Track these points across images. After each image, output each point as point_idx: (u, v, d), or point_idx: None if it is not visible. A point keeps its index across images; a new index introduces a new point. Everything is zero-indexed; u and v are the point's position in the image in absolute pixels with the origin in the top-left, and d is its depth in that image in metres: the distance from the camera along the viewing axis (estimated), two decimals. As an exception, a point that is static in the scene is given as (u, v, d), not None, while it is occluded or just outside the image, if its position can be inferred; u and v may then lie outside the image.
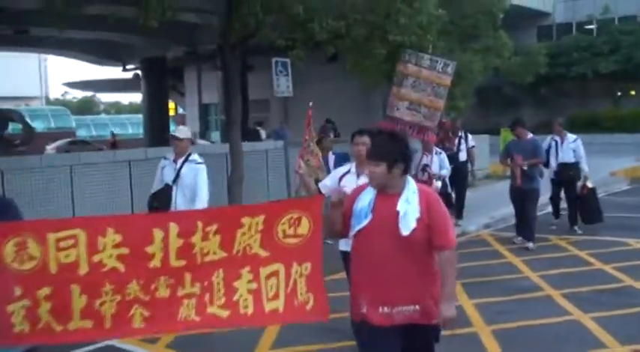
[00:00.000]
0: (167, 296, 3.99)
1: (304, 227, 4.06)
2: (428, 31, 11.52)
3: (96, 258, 3.84)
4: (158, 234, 3.90)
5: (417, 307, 3.72)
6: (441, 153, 10.45)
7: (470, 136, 12.59)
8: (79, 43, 32.68)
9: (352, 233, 3.84)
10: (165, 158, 7.37)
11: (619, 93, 36.07)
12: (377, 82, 14.23)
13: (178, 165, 7.14)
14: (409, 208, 3.68)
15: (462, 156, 12.26)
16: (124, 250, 3.87)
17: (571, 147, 11.03)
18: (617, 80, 34.59)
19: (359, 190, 3.95)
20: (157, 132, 32.47)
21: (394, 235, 3.65)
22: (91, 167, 10.86)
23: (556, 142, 11.13)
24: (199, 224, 3.94)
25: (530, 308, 6.90)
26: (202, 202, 6.98)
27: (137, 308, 3.96)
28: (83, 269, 3.83)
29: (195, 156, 7.25)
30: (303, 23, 10.39)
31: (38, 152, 26.09)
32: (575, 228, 11.08)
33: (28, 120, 29.74)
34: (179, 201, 7.06)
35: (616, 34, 34.58)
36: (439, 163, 10.30)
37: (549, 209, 11.77)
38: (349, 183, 5.05)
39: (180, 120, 43.38)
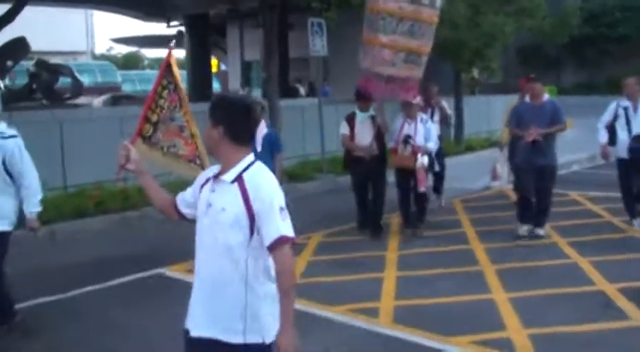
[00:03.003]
0: None
1: None
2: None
3: None
4: None
5: None
6: (427, 120, 8.63)
7: (445, 103, 10.52)
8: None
9: None
10: None
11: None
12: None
13: None
14: None
15: (437, 128, 9.70)
16: None
17: None
18: (661, 41, 34.19)
19: None
20: (200, 88, 33.31)
21: None
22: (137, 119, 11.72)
23: (625, 109, 8.54)
24: None
25: (534, 253, 7.59)
26: (36, 193, 5.42)
27: None
28: None
29: (1, 128, 5.31)
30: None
31: (86, 105, 27.18)
32: (635, 222, 8.68)
33: (76, 74, 30.81)
34: None
35: (662, -7, 34.08)
36: (424, 133, 8.40)
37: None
38: (202, 200, 3.05)
39: (223, 76, 44.16)
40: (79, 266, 7.62)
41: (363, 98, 8.37)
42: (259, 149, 7.36)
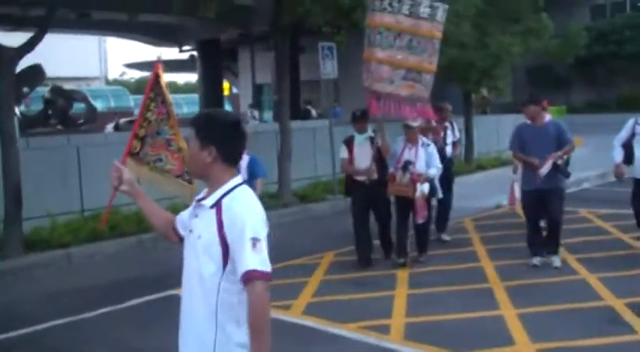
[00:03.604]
0: None
1: None
2: (464, 18, 12.12)
3: None
4: None
5: None
6: (429, 144, 8.11)
7: (456, 126, 10.02)
8: (137, 26, 33.90)
9: None
10: None
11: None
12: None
13: None
14: None
15: (449, 150, 9.64)
16: None
17: None
18: (671, 59, 34.23)
19: None
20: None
21: None
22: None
23: None
24: None
25: (543, 270, 7.66)
26: None
27: None
28: None
29: None
30: (349, 12, 11.07)
31: (99, 130, 27.54)
32: None
33: (90, 100, 31.22)
34: None
35: (670, 12, 34.23)
36: (426, 159, 7.94)
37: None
38: (187, 224, 2.91)
39: (234, 99, 44.57)
40: (93, 289, 7.78)
41: (358, 120, 8.07)
42: (246, 177, 7.05)
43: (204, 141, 2.71)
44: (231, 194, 2.70)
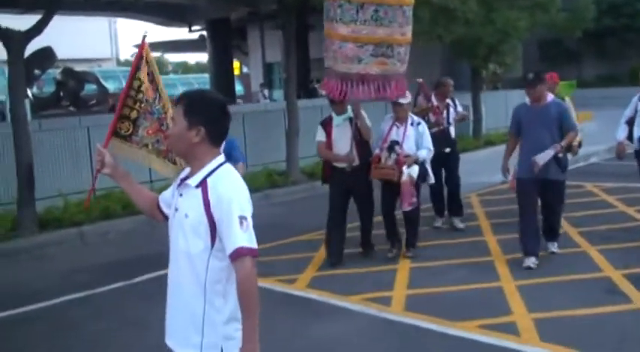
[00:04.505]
0: None
1: None
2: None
3: None
4: None
5: None
6: (419, 123, 7.37)
7: (458, 102, 9.21)
8: (146, 6, 33.97)
9: None
10: None
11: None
12: (426, 42, 14.54)
13: None
14: None
15: (453, 131, 8.96)
16: None
17: None
18: (683, 32, 33.91)
19: None
20: (223, 90, 33.76)
21: None
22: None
23: None
24: None
25: (544, 243, 7.74)
26: None
27: None
28: None
29: None
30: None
31: (111, 111, 27.77)
32: None
33: (102, 81, 31.41)
34: None
35: (684, -17, 33.80)
36: (416, 139, 7.23)
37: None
38: (172, 203, 2.94)
39: (245, 79, 44.63)
40: (105, 266, 7.99)
41: (335, 100, 6.98)
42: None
43: (194, 121, 2.73)
44: (216, 173, 2.74)
